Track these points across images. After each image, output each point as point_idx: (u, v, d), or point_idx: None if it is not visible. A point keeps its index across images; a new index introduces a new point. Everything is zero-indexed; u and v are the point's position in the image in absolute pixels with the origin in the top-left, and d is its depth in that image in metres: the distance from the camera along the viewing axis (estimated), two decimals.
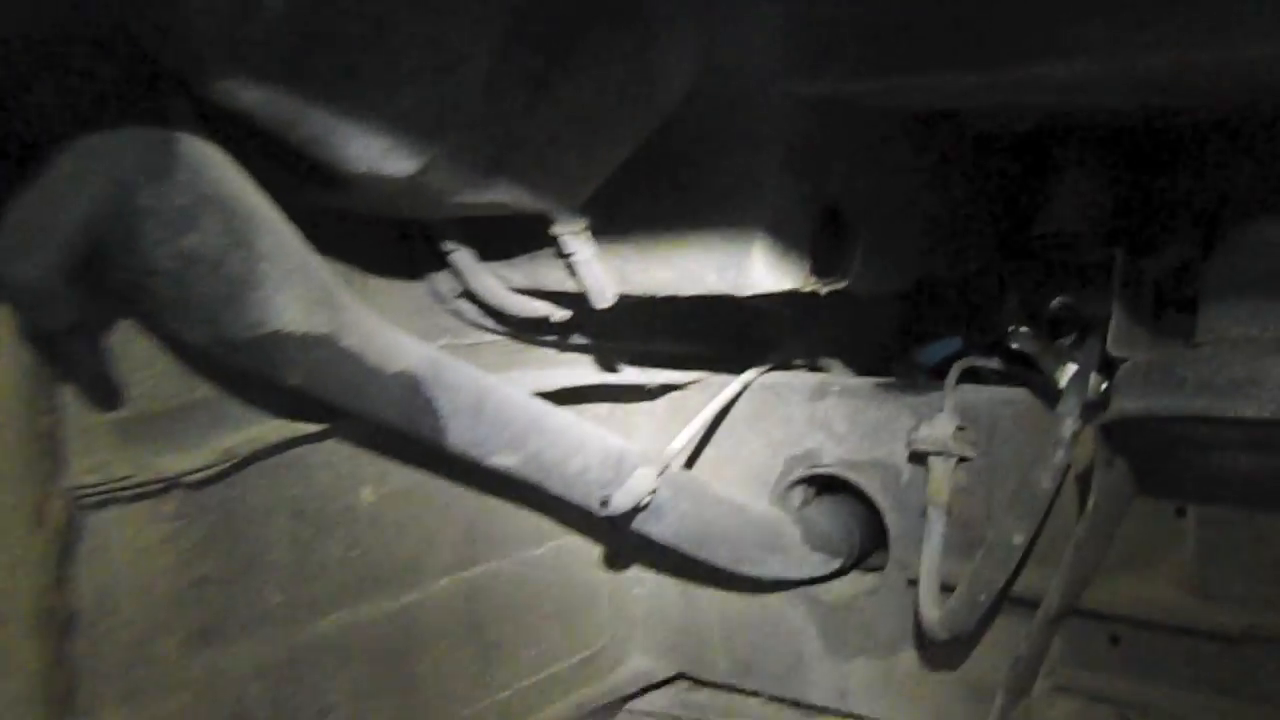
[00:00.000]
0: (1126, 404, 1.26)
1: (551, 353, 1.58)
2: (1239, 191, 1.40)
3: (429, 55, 0.98)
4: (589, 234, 1.29)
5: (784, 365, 1.72)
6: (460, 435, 1.27)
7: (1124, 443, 1.32)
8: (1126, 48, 1.05)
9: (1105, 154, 1.66)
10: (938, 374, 1.65)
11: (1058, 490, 1.36)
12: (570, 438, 1.37)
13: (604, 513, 1.38)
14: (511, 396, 1.32)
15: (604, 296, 1.32)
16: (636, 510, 1.40)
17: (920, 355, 1.74)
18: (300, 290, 1.07)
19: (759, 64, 1.22)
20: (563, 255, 1.30)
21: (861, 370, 1.79)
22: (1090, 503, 1.32)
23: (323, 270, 1.12)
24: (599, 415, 1.62)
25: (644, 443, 1.63)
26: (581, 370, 1.61)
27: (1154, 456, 1.35)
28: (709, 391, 1.64)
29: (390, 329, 1.21)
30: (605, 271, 1.31)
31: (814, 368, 1.78)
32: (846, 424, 1.58)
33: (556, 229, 1.27)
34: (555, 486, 1.38)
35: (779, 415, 1.64)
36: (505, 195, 1.18)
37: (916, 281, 1.61)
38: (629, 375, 1.65)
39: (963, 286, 1.72)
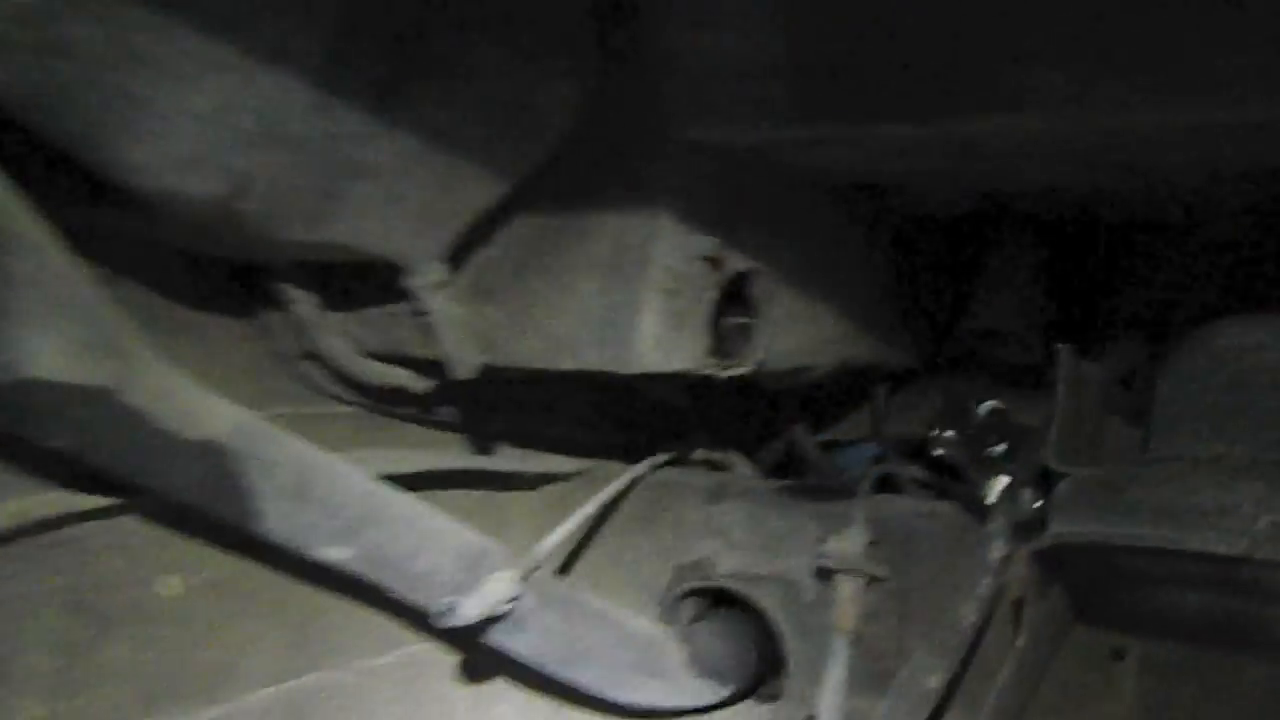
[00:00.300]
0: (1069, 527, 1.10)
1: (414, 429, 1.38)
2: (1191, 292, 1.28)
3: (236, 43, 0.78)
4: (450, 289, 1.09)
5: (681, 459, 1.54)
6: (279, 521, 1.05)
7: (1060, 570, 1.15)
8: (1086, 103, 0.89)
9: (1045, 245, 1.52)
10: (851, 479, 1.49)
11: (984, 624, 1.18)
12: (418, 531, 1.15)
13: (444, 623, 1.16)
14: (347, 479, 1.10)
15: (465, 365, 1.12)
16: (491, 620, 1.18)
17: (833, 457, 1.58)
18: (68, 331, 0.85)
19: (660, 102, 1.04)
20: (418, 313, 1.10)
21: (767, 470, 1.62)
22: (1020, 638, 1.15)
23: (107, 310, 0.91)
24: (466, 506, 1.40)
25: (517, 539, 1.41)
26: (447, 452, 1.40)
27: (1089, 587, 1.19)
28: (594, 484, 1.45)
29: (196, 389, 0.99)
30: (468, 335, 1.12)
31: (714, 464, 1.60)
32: (745, 531, 1.40)
33: (410, 280, 1.07)
34: (396, 587, 1.15)
35: (671, 517, 1.46)
36: (345, 235, 0.98)
37: (832, 372, 1.44)
38: (503, 460, 1.45)
39: (883, 381, 1.57)
